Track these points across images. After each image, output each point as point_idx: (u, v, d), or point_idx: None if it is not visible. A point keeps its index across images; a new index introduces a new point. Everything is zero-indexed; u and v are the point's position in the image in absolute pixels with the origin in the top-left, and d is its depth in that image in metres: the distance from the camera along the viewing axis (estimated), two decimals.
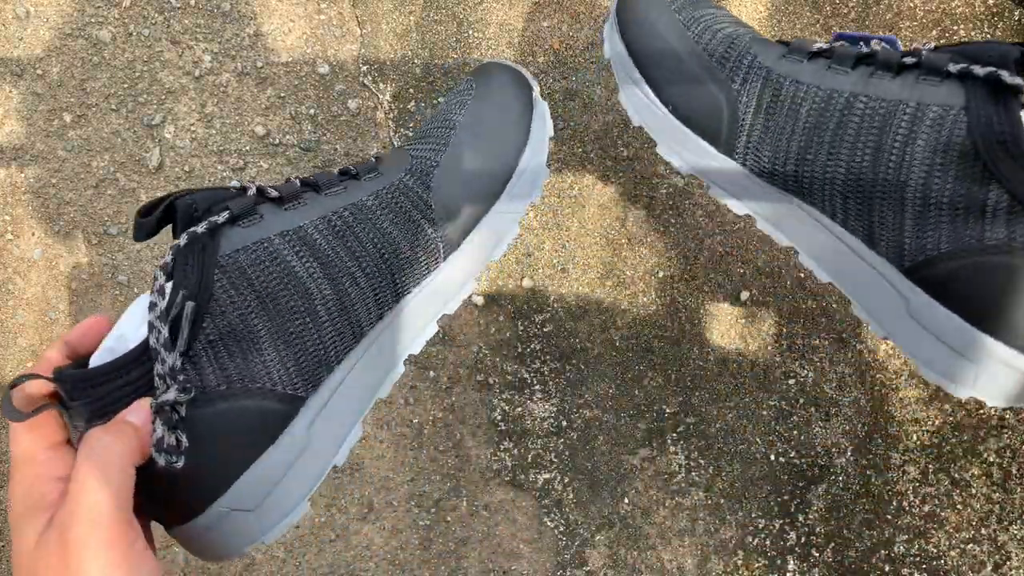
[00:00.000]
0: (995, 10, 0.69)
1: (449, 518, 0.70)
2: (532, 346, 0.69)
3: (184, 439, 0.34)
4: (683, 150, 0.46)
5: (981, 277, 0.36)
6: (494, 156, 0.46)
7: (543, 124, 0.48)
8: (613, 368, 0.69)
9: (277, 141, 0.68)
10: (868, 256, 0.41)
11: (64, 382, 0.33)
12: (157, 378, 0.34)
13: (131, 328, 0.36)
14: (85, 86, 0.67)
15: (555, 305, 0.69)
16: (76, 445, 0.34)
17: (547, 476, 0.70)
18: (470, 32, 0.68)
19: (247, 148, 0.68)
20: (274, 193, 0.40)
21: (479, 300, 0.69)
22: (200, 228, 0.36)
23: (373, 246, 0.41)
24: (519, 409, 0.70)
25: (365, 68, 0.68)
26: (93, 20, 0.67)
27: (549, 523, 0.70)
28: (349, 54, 0.68)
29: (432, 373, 0.69)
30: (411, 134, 0.67)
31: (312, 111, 0.68)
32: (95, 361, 0.35)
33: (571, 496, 0.70)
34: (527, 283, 0.69)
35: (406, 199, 0.43)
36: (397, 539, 0.70)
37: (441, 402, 0.70)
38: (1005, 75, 0.35)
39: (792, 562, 0.70)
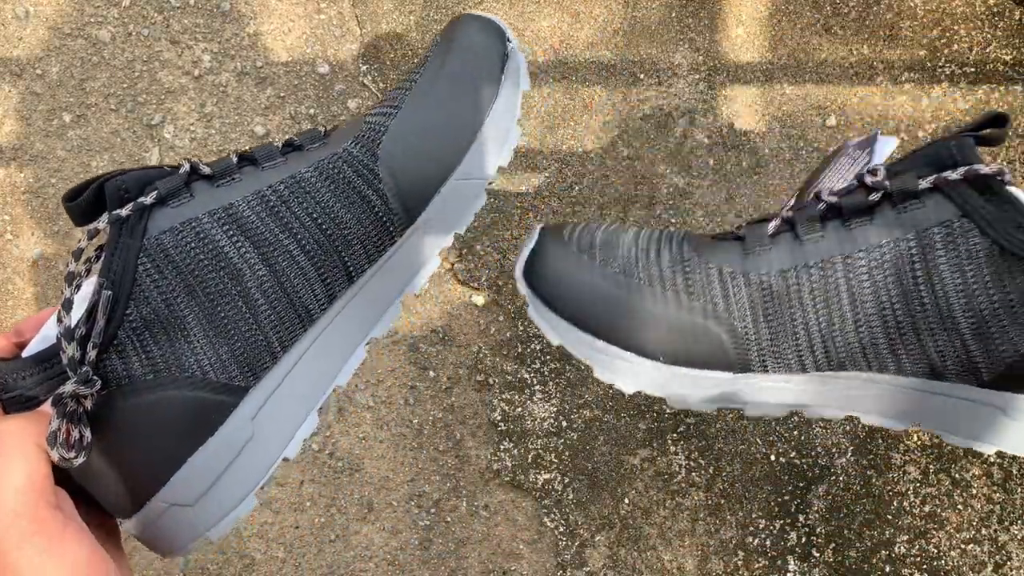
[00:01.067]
0: (995, 10, 0.69)
1: (449, 518, 0.70)
2: (532, 346, 0.69)
3: (87, 434, 0.32)
4: (699, 390, 0.41)
5: None
6: (453, 117, 0.40)
7: (516, 80, 0.42)
8: None
9: (277, 141, 0.68)
10: (938, 388, 0.38)
11: None
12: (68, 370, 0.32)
13: (72, 318, 0.34)
14: (84, 86, 0.67)
15: None
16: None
17: (547, 476, 0.70)
18: None
19: (247, 147, 0.68)
20: (207, 170, 0.37)
21: (479, 300, 0.69)
22: (124, 211, 0.34)
23: (313, 222, 0.38)
24: (519, 409, 0.70)
25: (365, 68, 0.68)
26: (92, 20, 0.67)
27: (549, 523, 0.70)
28: (349, 54, 0.68)
29: (432, 373, 0.69)
30: None
31: (312, 111, 0.68)
32: (30, 350, 0.35)
33: (571, 496, 0.70)
34: None
35: (350, 169, 0.39)
36: (397, 539, 0.70)
37: (441, 402, 0.70)
38: (982, 168, 0.34)
39: (793, 562, 0.70)
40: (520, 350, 0.69)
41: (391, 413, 0.70)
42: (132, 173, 0.36)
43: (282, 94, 0.67)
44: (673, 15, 0.69)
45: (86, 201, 0.35)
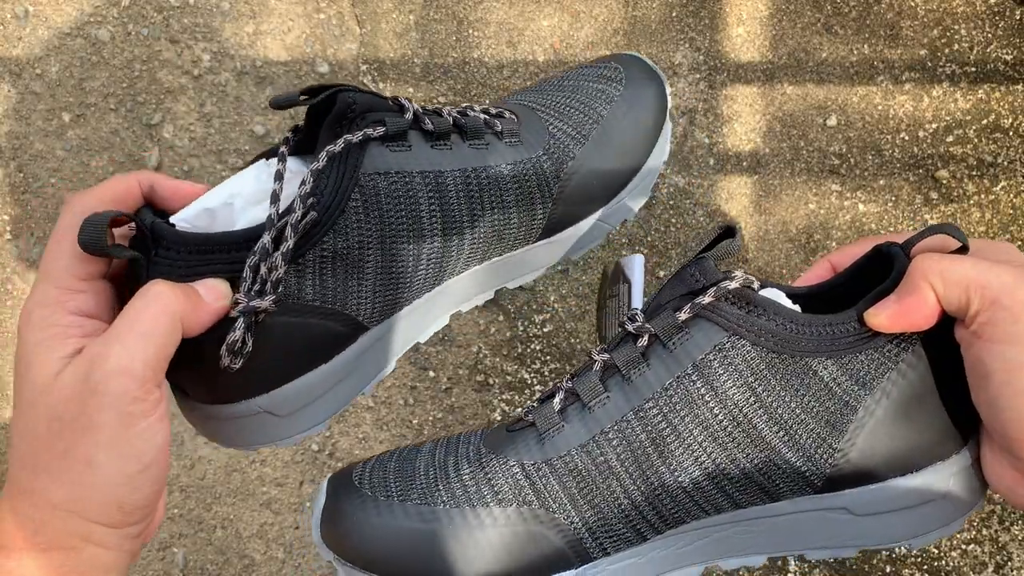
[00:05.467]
0: (996, 9, 0.69)
1: None
2: (532, 346, 0.69)
3: (250, 344, 0.33)
4: None
5: (890, 428, 0.34)
6: (617, 165, 0.44)
7: (664, 148, 0.45)
8: None
9: (276, 140, 0.68)
10: (781, 509, 0.37)
11: (160, 236, 0.32)
12: (252, 277, 0.32)
13: (242, 201, 0.34)
14: (84, 85, 0.67)
15: (555, 305, 0.69)
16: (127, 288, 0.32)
17: None
18: (470, 31, 0.68)
19: (246, 147, 0.68)
20: (428, 125, 0.38)
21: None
22: (355, 137, 0.35)
23: (491, 216, 0.41)
24: (519, 409, 0.69)
25: (365, 67, 0.68)
26: (92, 19, 0.67)
27: None
28: (348, 53, 0.68)
29: (432, 373, 0.69)
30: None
31: None
32: (191, 216, 0.34)
33: None
34: (527, 283, 0.69)
35: (535, 180, 0.42)
36: None
37: (441, 403, 0.69)
38: (729, 284, 0.34)
39: (793, 563, 0.69)
40: (520, 350, 0.69)
41: (391, 413, 0.69)
42: (362, 95, 0.36)
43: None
44: (673, 15, 0.68)
45: (320, 102, 0.35)
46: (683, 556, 0.39)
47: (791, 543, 0.38)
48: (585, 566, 0.38)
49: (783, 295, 0.36)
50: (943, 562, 0.69)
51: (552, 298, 0.69)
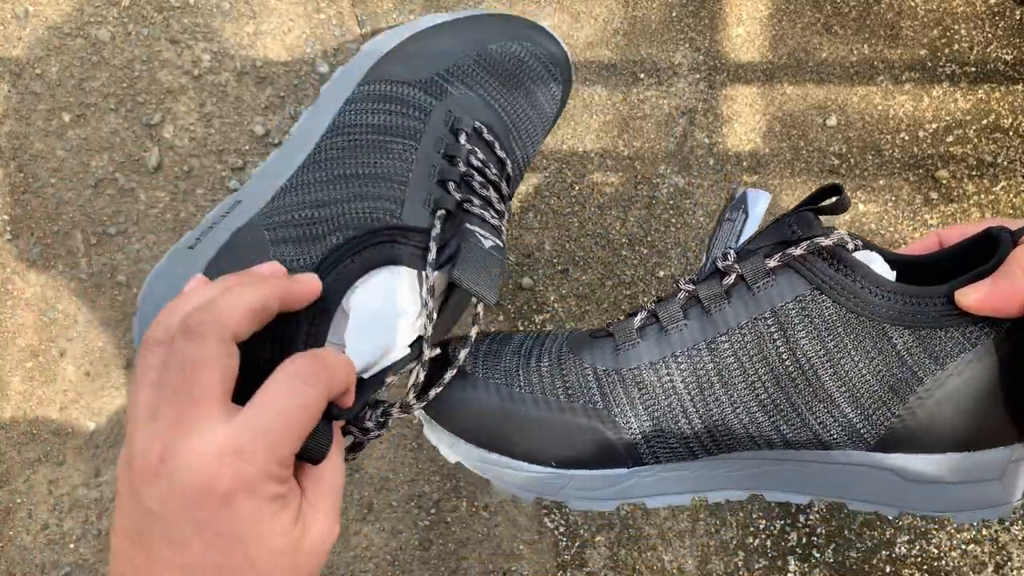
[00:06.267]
0: (996, 9, 0.69)
1: (449, 519, 0.70)
2: None
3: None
4: (597, 490, 0.42)
5: (954, 406, 0.35)
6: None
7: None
8: None
9: (277, 140, 0.68)
10: (830, 457, 0.38)
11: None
12: (392, 400, 0.41)
13: (392, 320, 0.41)
14: (84, 85, 0.67)
15: (555, 305, 0.69)
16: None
17: None
18: None
19: (246, 147, 0.68)
20: (498, 213, 0.45)
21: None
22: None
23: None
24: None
25: None
26: (92, 19, 0.67)
27: (549, 524, 0.70)
28: (349, 53, 0.68)
29: None
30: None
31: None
32: (358, 338, 0.41)
33: None
34: (527, 283, 0.69)
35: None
36: (397, 540, 0.70)
37: None
38: (822, 240, 0.35)
39: (793, 563, 0.70)
40: None
41: None
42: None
43: (282, 94, 0.67)
44: (673, 15, 0.69)
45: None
46: (732, 480, 0.41)
47: (837, 490, 0.40)
48: (637, 467, 0.40)
49: (881, 259, 0.37)
50: (943, 562, 0.69)
51: (552, 298, 0.69)
